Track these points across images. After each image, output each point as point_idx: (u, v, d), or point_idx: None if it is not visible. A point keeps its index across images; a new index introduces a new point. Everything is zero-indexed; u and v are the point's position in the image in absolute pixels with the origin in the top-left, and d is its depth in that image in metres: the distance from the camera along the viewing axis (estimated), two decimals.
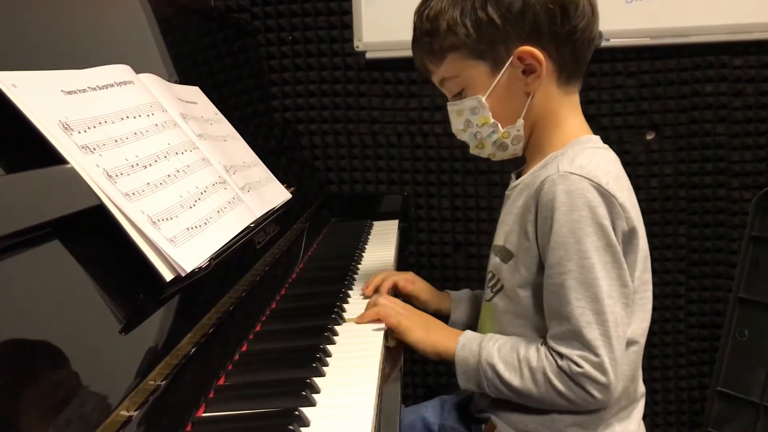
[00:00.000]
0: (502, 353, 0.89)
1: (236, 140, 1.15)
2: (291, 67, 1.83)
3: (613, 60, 1.74)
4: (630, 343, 0.88)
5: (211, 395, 0.72)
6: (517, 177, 0.98)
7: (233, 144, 1.12)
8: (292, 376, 0.76)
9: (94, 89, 0.76)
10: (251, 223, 0.94)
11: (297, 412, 0.66)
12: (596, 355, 0.83)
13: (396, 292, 1.12)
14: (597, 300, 0.83)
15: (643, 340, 0.91)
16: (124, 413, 0.58)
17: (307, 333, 0.90)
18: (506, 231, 0.95)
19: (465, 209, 1.87)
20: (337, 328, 0.93)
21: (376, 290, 1.08)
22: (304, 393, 0.70)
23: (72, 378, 0.54)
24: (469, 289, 1.16)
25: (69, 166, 0.65)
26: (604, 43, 1.65)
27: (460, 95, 0.95)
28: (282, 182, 1.22)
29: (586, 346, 0.83)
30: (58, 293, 0.59)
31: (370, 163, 1.87)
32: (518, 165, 1.02)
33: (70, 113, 0.69)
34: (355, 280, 1.17)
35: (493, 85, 0.91)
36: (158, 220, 0.71)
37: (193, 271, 0.72)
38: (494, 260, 0.97)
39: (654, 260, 0.95)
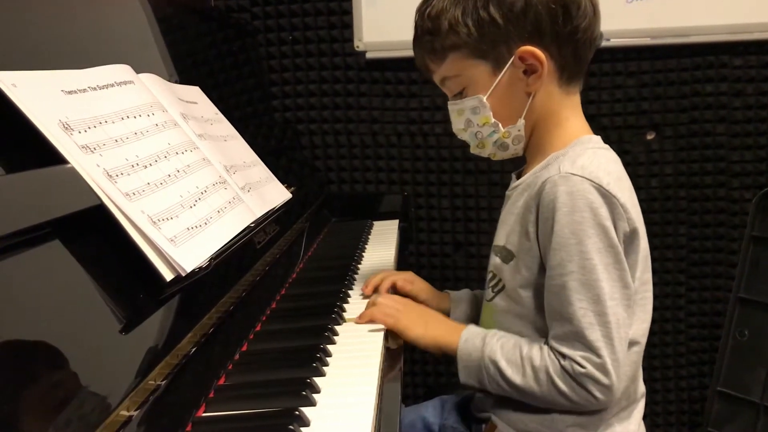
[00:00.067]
0: (505, 350, 0.89)
1: (236, 140, 1.15)
2: (291, 67, 1.83)
3: (614, 60, 1.74)
4: (631, 343, 0.88)
5: (211, 395, 0.72)
6: (518, 177, 0.98)
7: (233, 144, 1.12)
8: (292, 376, 0.76)
9: (95, 89, 0.76)
10: (251, 223, 0.94)
11: (297, 412, 0.66)
12: (598, 356, 0.82)
13: (395, 291, 1.12)
14: (599, 301, 0.83)
15: (644, 340, 0.91)
16: (125, 413, 0.58)
17: (307, 333, 0.90)
18: (507, 231, 0.94)
19: (465, 209, 1.87)
20: (337, 328, 0.93)
21: (376, 290, 1.08)
22: (304, 393, 0.70)
23: (72, 378, 0.54)
24: (469, 289, 1.16)
25: (69, 165, 0.65)
26: (604, 43, 1.65)
27: (461, 95, 0.95)
28: (282, 182, 1.22)
29: (588, 347, 0.83)
30: (58, 293, 0.59)
31: (370, 163, 1.87)
32: (518, 165, 1.02)
33: (70, 113, 0.68)
34: (355, 280, 1.17)
35: (494, 84, 0.91)
36: (158, 220, 0.71)
37: (193, 271, 0.72)
38: (495, 260, 0.97)
39: (654, 260, 0.95)
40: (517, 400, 0.90)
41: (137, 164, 0.74)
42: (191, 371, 0.71)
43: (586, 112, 0.97)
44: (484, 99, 0.92)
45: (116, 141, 0.73)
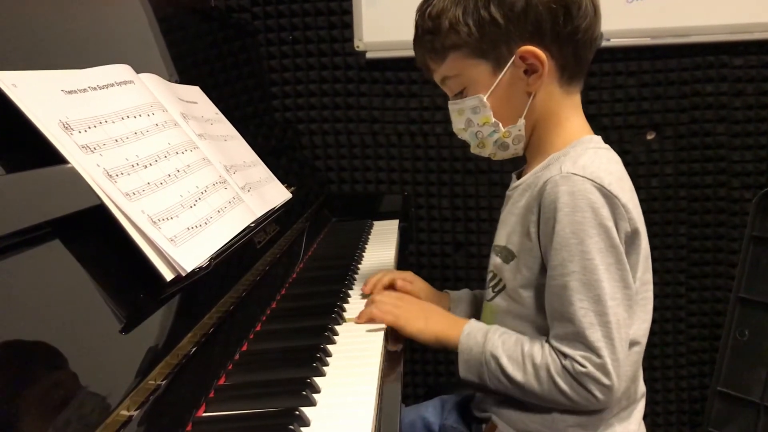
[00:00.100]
0: (506, 346, 0.89)
1: (236, 140, 1.15)
2: (291, 67, 1.83)
3: (614, 60, 1.74)
4: (632, 343, 0.88)
5: (211, 395, 0.72)
6: (518, 177, 0.98)
7: (233, 144, 1.12)
8: (292, 376, 0.76)
9: (95, 89, 0.76)
10: (251, 223, 0.94)
11: (297, 412, 0.66)
12: (599, 356, 0.82)
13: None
14: (600, 301, 0.83)
15: (644, 340, 0.91)
16: (125, 413, 0.58)
17: (307, 333, 0.90)
18: (508, 231, 0.94)
19: (465, 209, 1.87)
20: (337, 327, 0.93)
21: None
22: (304, 393, 0.70)
23: (72, 378, 0.54)
24: (469, 289, 1.16)
25: (69, 165, 0.64)
26: (604, 43, 1.65)
27: (461, 94, 0.95)
28: (282, 182, 1.22)
29: (589, 347, 0.83)
30: (58, 293, 0.59)
31: (371, 162, 1.87)
32: (518, 165, 1.02)
33: (70, 113, 0.68)
34: (355, 279, 1.17)
35: (494, 84, 0.91)
36: (158, 220, 0.71)
37: (193, 271, 0.72)
38: (495, 260, 0.97)
39: (654, 260, 0.95)
40: (517, 400, 0.90)
41: (137, 164, 0.74)
42: (191, 371, 0.71)
43: (587, 112, 0.97)
44: (485, 99, 0.92)
45: (116, 141, 0.73)
